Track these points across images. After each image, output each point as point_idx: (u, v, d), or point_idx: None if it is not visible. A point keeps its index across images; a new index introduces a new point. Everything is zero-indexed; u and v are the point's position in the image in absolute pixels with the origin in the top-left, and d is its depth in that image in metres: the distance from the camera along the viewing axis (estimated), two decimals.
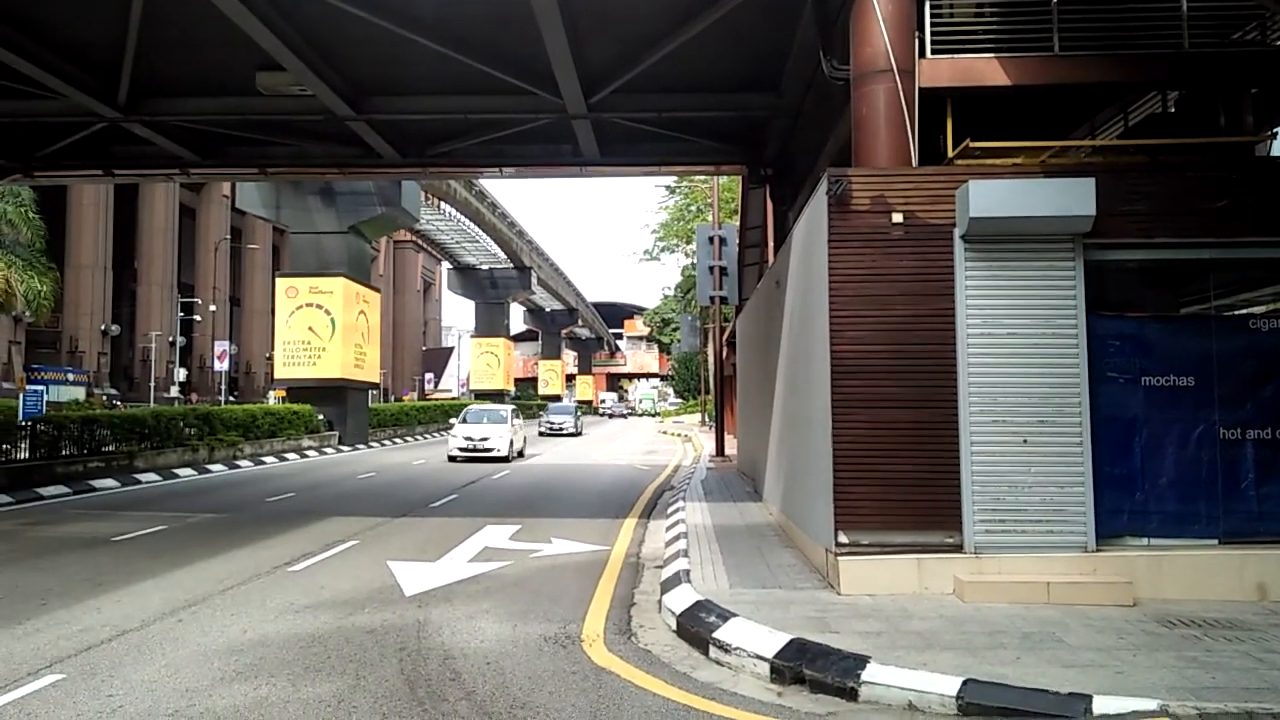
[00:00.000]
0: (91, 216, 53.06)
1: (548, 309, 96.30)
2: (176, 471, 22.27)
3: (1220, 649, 6.29)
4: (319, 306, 34.03)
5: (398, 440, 40.29)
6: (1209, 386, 8.01)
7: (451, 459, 26.89)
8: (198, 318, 56.19)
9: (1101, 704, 5.19)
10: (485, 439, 27.11)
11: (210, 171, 22.07)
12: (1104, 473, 7.96)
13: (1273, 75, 9.69)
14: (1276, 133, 11.02)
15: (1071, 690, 5.38)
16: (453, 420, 29.89)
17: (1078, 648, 6.32)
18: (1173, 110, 10.60)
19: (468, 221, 60.69)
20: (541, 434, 42.55)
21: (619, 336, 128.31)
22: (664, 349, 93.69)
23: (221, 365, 50.07)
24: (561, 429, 44.62)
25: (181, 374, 52.33)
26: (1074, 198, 7.78)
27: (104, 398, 44.34)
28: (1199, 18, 9.24)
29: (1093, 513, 7.87)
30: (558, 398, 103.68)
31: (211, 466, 24.03)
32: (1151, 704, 5.15)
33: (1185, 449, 8.02)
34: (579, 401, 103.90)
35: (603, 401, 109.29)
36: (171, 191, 55.97)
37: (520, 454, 29.01)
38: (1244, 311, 8.86)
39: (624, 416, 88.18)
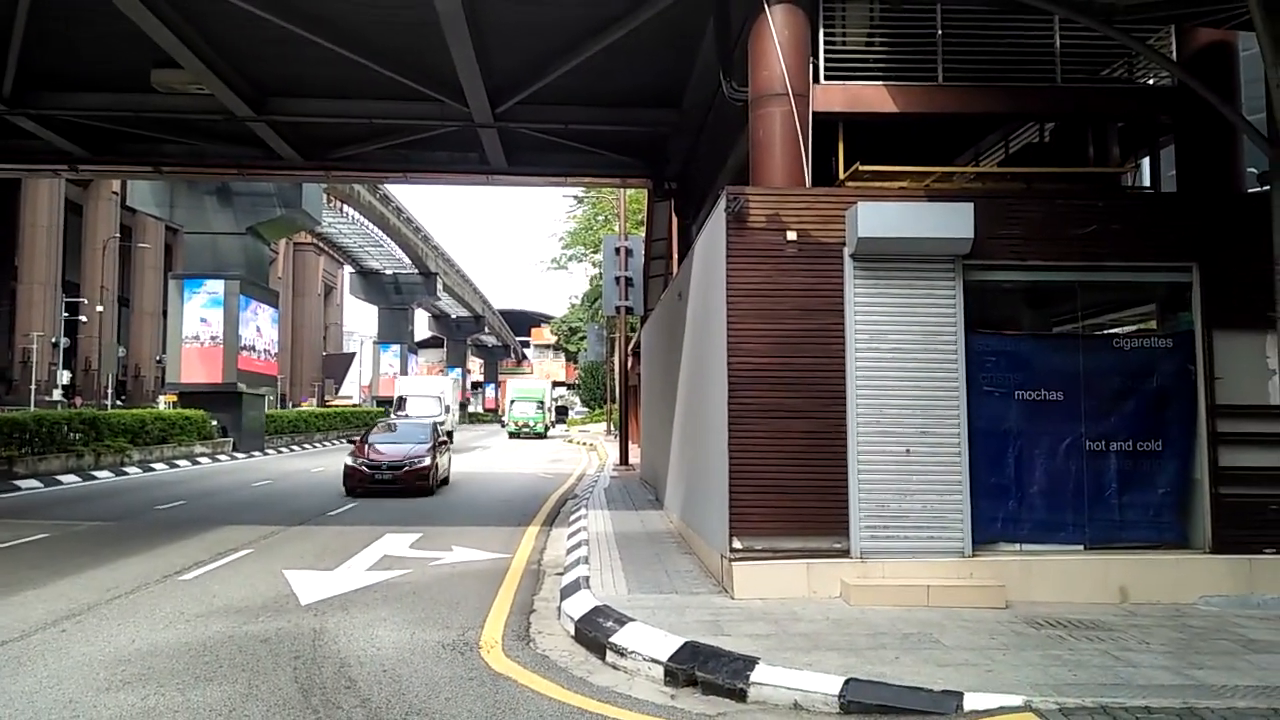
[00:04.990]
0: None
1: (453, 315, 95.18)
2: (60, 478, 21.42)
3: (1082, 648, 6.72)
4: (214, 309, 33.05)
5: (295, 447, 39.31)
6: (1076, 401, 8.55)
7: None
8: (83, 318, 53.63)
9: (972, 700, 5.54)
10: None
11: (101, 168, 21.35)
12: (981, 481, 8.42)
13: (1137, 110, 10.41)
14: (1139, 164, 11.82)
15: (945, 688, 5.71)
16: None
17: (953, 647, 6.69)
18: (1048, 140, 11.25)
19: (372, 225, 59.70)
20: None
21: (526, 345, 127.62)
22: (571, 358, 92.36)
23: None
24: None
25: (65, 376, 49.85)
26: (954, 221, 8.25)
27: None
28: (1071, 55, 9.86)
29: (970, 519, 8.32)
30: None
31: (98, 473, 23.14)
32: (1017, 700, 5.51)
33: (1054, 460, 8.54)
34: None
35: (400, 405, 45.67)
36: (57, 186, 53.37)
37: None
38: (1109, 331, 9.49)
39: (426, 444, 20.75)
